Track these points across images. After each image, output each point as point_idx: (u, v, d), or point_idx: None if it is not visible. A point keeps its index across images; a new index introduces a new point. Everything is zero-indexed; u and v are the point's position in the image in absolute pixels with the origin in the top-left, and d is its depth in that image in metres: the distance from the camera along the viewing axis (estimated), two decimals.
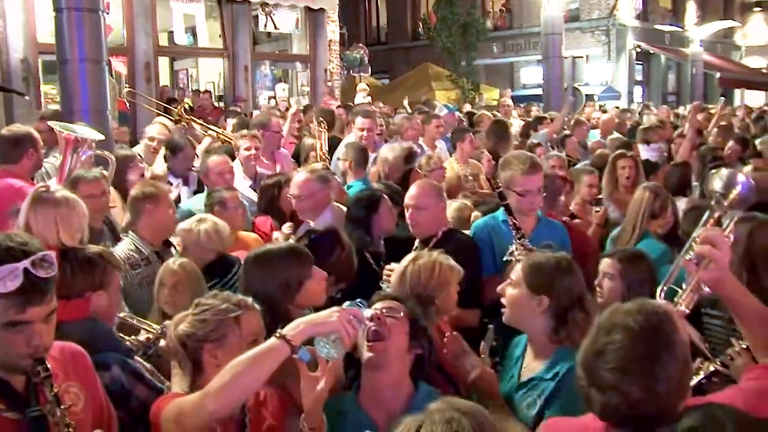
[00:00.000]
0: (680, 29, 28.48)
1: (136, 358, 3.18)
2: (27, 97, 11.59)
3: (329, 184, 5.04)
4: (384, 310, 2.81)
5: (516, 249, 4.11)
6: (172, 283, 3.81)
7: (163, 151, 6.85)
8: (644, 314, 1.99)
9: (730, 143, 8.41)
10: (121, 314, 3.53)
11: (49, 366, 2.21)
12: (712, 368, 3.10)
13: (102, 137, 6.00)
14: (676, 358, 1.94)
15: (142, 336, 3.54)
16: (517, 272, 3.08)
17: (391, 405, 2.71)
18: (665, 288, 2.55)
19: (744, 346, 3.01)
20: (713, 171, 2.80)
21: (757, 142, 9.05)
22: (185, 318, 2.68)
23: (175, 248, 4.75)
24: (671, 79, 30.70)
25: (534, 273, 3.02)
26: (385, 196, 4.74)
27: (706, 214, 2.49)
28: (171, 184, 6.34)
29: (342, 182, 6.32)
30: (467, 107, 16.24)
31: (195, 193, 6.67)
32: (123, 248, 4.46)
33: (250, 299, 2.76)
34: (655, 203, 4.83)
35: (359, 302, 2.59)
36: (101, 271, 3.05)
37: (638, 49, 27.41)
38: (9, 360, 2.18)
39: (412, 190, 4.51)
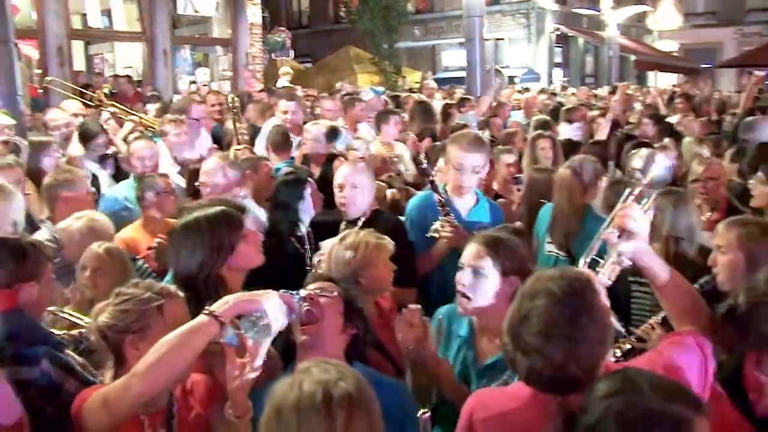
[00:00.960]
0: (597, 13, 29.19)
1: (68, 351, 3.07)
2: None
3: (241, 172, 4.88)
4: (317, 291, 2.79)
5: (441, 225, 4.13)
6: (94, 267, 3.70)
7: (76, 134, 6.63)
8: (566, 280, 2.07)
9: (644, 120, 8.68)
10: (51, 308, 3.42)
11: None
12: (627, 346, 3.22)
13: (13, 122, 5.76)
14: (596, 322, 2.02)
15: (74, 330, 3.44)
16: (479, 258, 3.01)
17: None
18: (588, 259, 2.62)
19: (659, 320, 3.14)
20: (633, 151, 2.91)
21: (673, 120, 9.39)
22: (105, 308, 2.58)
23: None
24: (589, 61, 31.48)
25: (506, 254, 2.99)
26: (311, 179, 4.72)
27: (627, 190, 2.57)
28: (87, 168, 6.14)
29: None
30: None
31: (113, 177, 6.52)
32: (40, 239, 4.29)
33: (173, 287, 2.67)
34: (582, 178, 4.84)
35: (293, 293, 2.52)
36: (32, 261, 2.93)
37: (557, 32, 27.96)
38: None
39: (345, 169, 4.49)
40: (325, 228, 4.34)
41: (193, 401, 2.66)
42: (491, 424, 2.25)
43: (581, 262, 2.60)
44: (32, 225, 4.70)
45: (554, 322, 1.99)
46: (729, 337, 2.45)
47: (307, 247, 4.31)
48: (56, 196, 4.41)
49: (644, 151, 2.70)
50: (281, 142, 6.46)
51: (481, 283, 2.94)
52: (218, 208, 3.16)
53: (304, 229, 4.43)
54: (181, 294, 2.66)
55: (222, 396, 2.65)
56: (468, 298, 2.95)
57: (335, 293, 2.82)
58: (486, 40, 16.14)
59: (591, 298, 2.06)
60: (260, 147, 7.22)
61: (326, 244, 3.94)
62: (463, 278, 2.98)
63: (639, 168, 2.58)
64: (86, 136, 6.43)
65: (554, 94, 15.88)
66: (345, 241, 3.56)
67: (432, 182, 4.30)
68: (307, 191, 4.52)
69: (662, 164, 2.55)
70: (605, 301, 2.14)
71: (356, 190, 4.35)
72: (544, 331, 1.99)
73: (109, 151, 6.62)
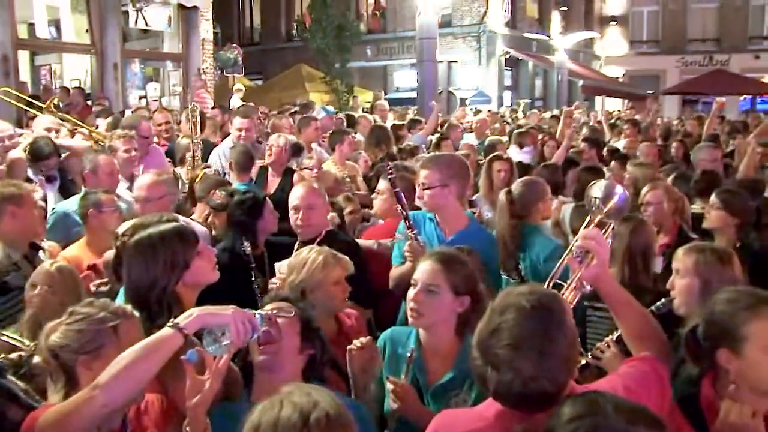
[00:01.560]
0: (546, 38, 29.76)
1: (9, 376, 2.96)
2: None
3: (176, 189, 4.95)
4: (275, 311, 2.77)
5: (399, 238, 4.24)
6: (45, 284, 3.62)
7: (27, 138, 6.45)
8: (536, 295, 2.10)
9: (582, 145, 8.86)
10: None
11: None
12: (583, 361, 3.27)
13: None
14: (565, 336, 2.06)
15: (13, 354, 3.32)
16: (433, 275, 3.01)
17: None
18: (551, 283, 2.69)
19: (614, 338, 3.21)
20: (593, 182, 3.04)
21: (619, 145, 9.62)
22: (57, 327, 2.51)
23: (44, 251, 4.51)
24: (538, 84, 32.02)
25: (459, 272, 3.02)
26: (268, 199, 4.69)
27: (588, 218, 2.67)
28: (32, 181, 5.97)
29: None
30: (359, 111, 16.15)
31: (60, 191, 6.34)
32: None
33: (129, 307, 2.61)
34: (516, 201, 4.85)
35: (254, 312, 2.50)
36: None
37: (507, 56, 28.39)
38: None
39: (299, 190, 4.49)
40: (280, 248, 4.33)
41: (147, 421, 2.61)
42: None
43: (544, 285, 2.64)
44: None
45: (524, 336, 2.02)
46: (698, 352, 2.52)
47: (254, 265, 4.26)
48: (3, 210, 4.24)
49: (603, 182, 2.80)
50: (245, 162, 6.42)
51: (432, 300, 2.95)
52: (172, 225, 3.12)
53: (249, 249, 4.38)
54: (136, 314, 2.61)
55: (177, 415, 2.63)
56: (420, 314, 2.97)
57: (293, 314, 2.80)
58: (438, 62, 16.28)
59: (561, 313, 2.09)
60: (214, 163, 7.16)
61: (281, 266, 3.93)
62: (415, 295, 2.98)
63: (599, 197, 2.67)
64: (37, 156, 6.22)
65: (504, 120, 16.08)
66: (297, 257, 3.56)
67: (397, 194, 4.21)
68: (266, 211, 4.50)
69: (621, 196, 2.67)
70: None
71: (311, 212, 4.37)
72: (513, 344, 2.01)
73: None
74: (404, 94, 25.25)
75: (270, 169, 6.72)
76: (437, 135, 9.92)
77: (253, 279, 4.16)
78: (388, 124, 11.88)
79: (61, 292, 3.61)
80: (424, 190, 4.19)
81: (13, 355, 3.22)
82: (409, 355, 2.99)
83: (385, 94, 23.21)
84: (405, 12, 26.71)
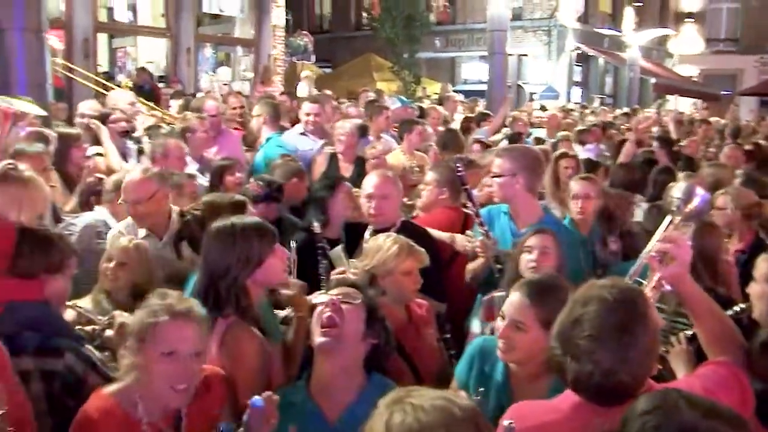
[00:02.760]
0: (619, 34, 29.15)
1: (88, 346, 3.06)
2: None
3: (166, 183, 4.49)
4: (340, 297, 2.77)
5: (471, 234, 4.25)
6: (119, 260, 3.72)
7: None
8: (618, 288, 2.11)
9: (654, 144, 8.65)
10: (69, 302, 3.41)
11: None
12: None
13: (44, 113, 5.78)
14: (646, 331, 2.06)
15: (89, 327, 3.43)
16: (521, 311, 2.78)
17: (342, 396, 2.67)
18: (631, 281, 2.64)
19: (689, 335, 3.13)
20: (672, 184, 2.98)
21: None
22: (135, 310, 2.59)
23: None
24: (608, 81, 31.42)
25: (550, 304, 2.66)
26: (346, 182, 4.73)
27: (667, 219, 2.62)
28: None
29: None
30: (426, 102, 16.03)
31: None
32: (94, 216, 4.44)
33: (185, 306, 2.53)
34: None
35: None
36: (59, 253, 2.92)
37: (578, 51, 27.92)
38: None
39: (373, 179, 4.47)
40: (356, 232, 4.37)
41: (208, 400, 2.62)
42: None
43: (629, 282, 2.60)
44: (56, 217, 4.70)
45: (606, 327, 2.03)
46: (765, 368, 2.45)
47: (321, 245, 4.27)
48: None
49: (684, 183, 2.75)
50: (274, 114, 6.79)
51: (521, 336, 2.71)
52: (254, 219, 3.21)
53: (336, 231, 4.45)
54: (196, 314, 2.55)
55: (233, 398, 2.71)
56: (510, 348, 2.74)
57: (358, 300, 2.80)
58: (509, 55, 16.11)
59: (643, 307, 2.10)
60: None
61: (336, 252, 3.93)
62: (503, 330, 2.75)
63: (679, 198, 2.64)
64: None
65: (569, 111, 15.80)
66: (367, 245, 3.57)
67: (468, 192, 4.27)
68: (339, 191, 4.53)
69: (703, 198, 2.64)
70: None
71: (385, 201, 4.34)
72: (595, 335, 2.03)
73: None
74: (472, 87, 25.07)
75: (342, 156, 6.71)
76: (507, 132, 9.82)
77: (319, 260, 4.15)
78: (458, 117, 11.85)
79: (133, 269, 3.72)
80: (493, 178, 4.23)
81: (88, 328, 3.35)
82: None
83: (453, 86, 23.06)
84: (475, 3, 26.47)
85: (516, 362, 2.78)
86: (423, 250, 3.62)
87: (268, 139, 7.05)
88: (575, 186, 5.10)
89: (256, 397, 2.37)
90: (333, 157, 6.65)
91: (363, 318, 2.75)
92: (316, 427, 2.63)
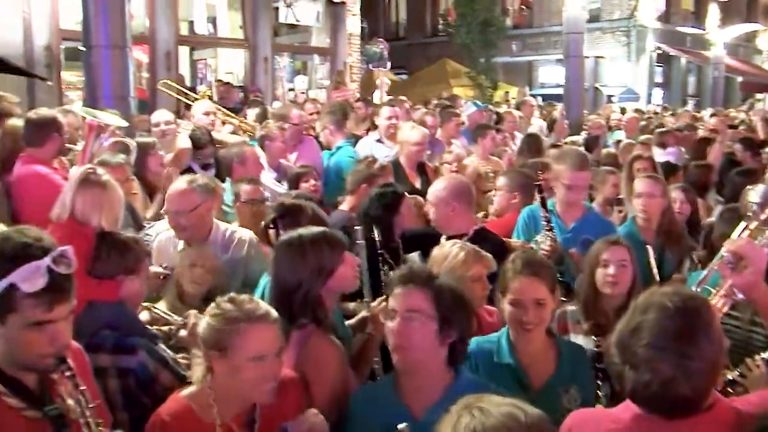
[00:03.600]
0: (702, 32, 28.27)
1: (161, 345, 3.18)
2: (50, 83, 11.64)
3: (211, 196, 4.39)
4: (406, 313, 2.62)
5: (541, 240, 4.32)
6: (206, 265, 3.85)
7: (185, 129, 6.87)
8: (680, 296, 2.04)
9: (736, 146, 8.37)
10: (145, 303, 3.55)
11: (71, 364, 2.16)
12: (730, 377, 3.09)
13: (125, 124, 6.02)
14: (710, 341, 1.98)
15: (165, 327, 3.54)
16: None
17: (428, 394, 2.61)
18: (699, 288, 2.58)
19: (765, 358, 3.02)
20: (749, 187, 2.89)
21: None
22: (204, 318, 2.59)
23: None
24: (691, 81, 30.51)
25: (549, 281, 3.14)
26: (406, 195, 4.74)
27: (742, 224, 2.58)
28: (192, 169, 6.34)
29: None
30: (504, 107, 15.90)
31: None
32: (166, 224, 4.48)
33: (262, 308, 2.56)
34: None
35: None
36: (134, 256, 3.06)
37: (658, 51, 27.24)
38: (30, 360, 2.11)
39: (442, 183, 4.53)
40: (417, 241, 4.38)
41: (283, 403, 2.61)
42: None
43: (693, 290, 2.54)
44: (137, 223, 4.89)
45: (665, 336, 1.96)
46: None
47: (381, 252, 4.30)
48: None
49: (761, 187, 2.68)
50: (341, 120, 6.82)
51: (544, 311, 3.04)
52: (321, 230, 3.21)
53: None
54: (273, 314, 2.58)
55: (307, 400, 2.72)
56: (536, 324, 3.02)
57: (424, 317, 2.63)
58: (585, 57, 15.86)
59: (706, 317, 2.02)
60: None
61: (413, 257, 3.96)
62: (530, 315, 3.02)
63: (756, 202, 2.56)
64: (195, 145, 6.63)
65: (650, 118, 15.43)
66: (435, 252, 3.57)
67: (543, 198, 4.43)
68: (403, 207, 4.54)
69: None
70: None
71: (453, 207, 4.39)
72: (653, 343, 1.96)
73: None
74: (549, 90, 24.77)
75: (406, 163, 6.64)
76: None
77: (380, 267, 4.17)
78: (535, 122, 11.75)
79: (208, 271, 3.84)
80: (586, 190, 4.76)
81: (164, 328, 3.47)
82: None
83: (530, 90, 22.83)
84: (552, 6, 26.16)
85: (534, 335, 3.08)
86: (490, 255, 3.60)
87: (338, 148, 7.12)
88: (639, 184, 5.05)
89: (289, 423, 2.43)
90: (398, 165, 6.62)
91: (434, 328, 2.61)
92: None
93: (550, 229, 4.30)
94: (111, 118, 5.77)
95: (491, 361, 3.07)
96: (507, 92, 21.60)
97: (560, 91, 17.18)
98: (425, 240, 4.36)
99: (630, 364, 1.99)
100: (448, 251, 3.57)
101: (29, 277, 2.01)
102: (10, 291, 2.01)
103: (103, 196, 3.77)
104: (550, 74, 27.26)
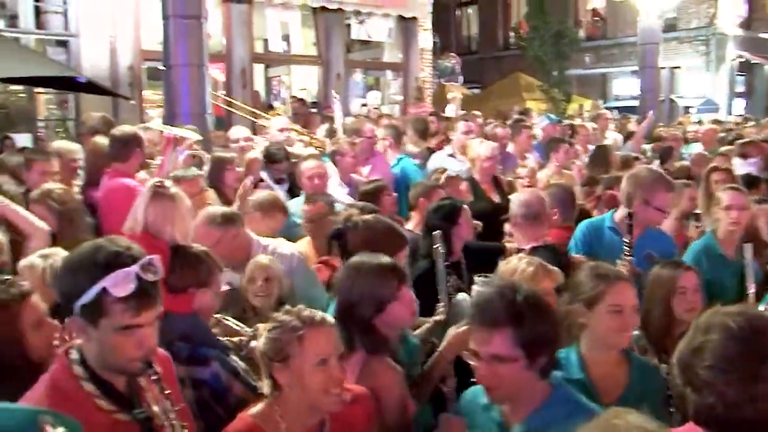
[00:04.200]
0: None
1: (232, 356, 3.25)
2: (132, 102, 12.12)
3: (234, 225, 4.27)
4: (489, 358, 2.47)
5: (621, 264, 4.11)
6: (263, 277, 3.92)
7: (260, 143, 7.05)
8: (745, 317, 1.96)
9: None
10: (216, 315, 3.63)
11: (158, 369, 2.25)
12: None
13: (199, 137, 6.21)
14: None
15: (235, 338, 3.62)
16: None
17: (524, 405, 2.53)
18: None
19: None
20: None
21: None
22: (264, 332, 2.60)
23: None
24: None
25: None
26: (465, 206, 4.76)
27: None
28: (264, 181, 6.50)
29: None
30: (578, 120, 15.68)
31: (289, 192, 6.83)
32: None
33: (319, 315, 2.58)
34: None
35: None
36: (207, 269, 3.15)
37: (740, 60, 26.42)
38: (120, 363, 2.22)
39: (522, 198, 4.54)
40: (479, 254, 4.39)
41: (352, 415, 2.61)
42: None
43: (761, 307, 2.47)
44: None
45: (729, 358, 1.89)
46: None
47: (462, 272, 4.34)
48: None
49: None
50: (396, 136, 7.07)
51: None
52: (382, 260, 3.13)
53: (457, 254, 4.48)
54: (330, 321, 2.60)
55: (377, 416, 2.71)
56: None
57: (510, 354, 2.49)
58: (661, 68, 15.54)
59: None
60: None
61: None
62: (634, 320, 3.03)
63: None
64: (270, 159, 6.81)
65: (729, 129, 14.97)
66: (502, 268, 3.56)
67: (630, 226, 4.32)
68: (462, 218, 4.55)
69: None
70: None
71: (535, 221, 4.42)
72: (716, 365, 1.90)
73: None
74: (624, 103, 24.30)
75: (479, 178, 6.67)
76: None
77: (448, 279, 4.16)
78: (610, 135, 11.56)
79: (268, 282, 3.92)
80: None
81: (235, 339, 3.54)
82: None
83: (604, 102, 22.46)
84: (626, 17, 25.69)
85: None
86: (557, 270, 3.58)
87: (399, 160, 7.32)
88: (727, 196, 4.89)
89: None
90: (474, 182, 6.59)
91: (522, 365, 2.45)
92: None
93: (630, 247, 4.18)
94: (186, 132, 5.97)
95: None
96: (581, 105, 21.29)
97: (635, 103, 16.89)
98: (487, 253, 4.39)
99: (692, 386, 1.94)
100: (516, 266, 3.55)
101: (119, 283, 2.12)
102: (101, 296, 2.13)
103: (174, 209, 3.87)
104: (625, 86, 26.75)
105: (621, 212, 4.65)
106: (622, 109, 20.44)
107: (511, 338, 2.41)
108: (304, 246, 5.00)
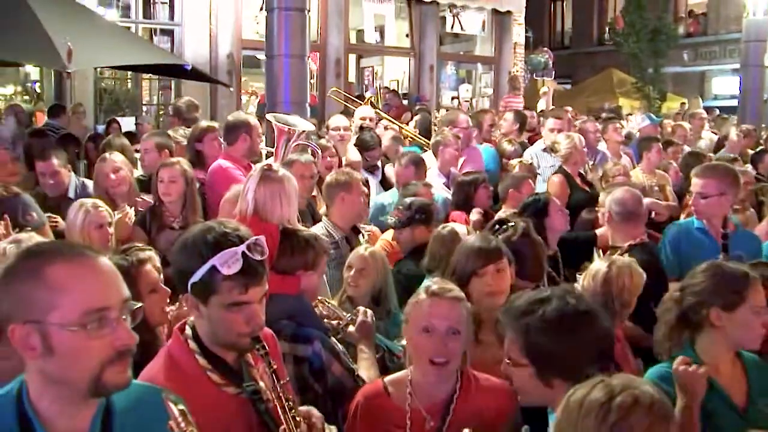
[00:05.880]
0: None
1: (332, 338, 3.38)
2: (231, 89, 12.51)
3: None
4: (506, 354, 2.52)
5: None
6: (359, 267, 4.05)
7: (354, 139, 7.19)
8: None
9: None
10: (319, 297, 3.79)
11: (265, 345, 2.38)
12: None
13: (312, 127, 6.37)
14: None
15: (334, 321, 3.76)
16: None
17: None
18: None
19: None
20: None
21: None
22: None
23: (363, 235, 5.04)
24: None
25: None
26: (554, 199, 4.81)
27: None
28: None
29: None
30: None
31: (381, 183, 6.96)
32: (317, 231, 4.72)
33: (441, 286, 2.82)
34: None
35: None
36: (314, 253, 3.30)
37: None
38: (230, 338, 2.34)
39: (618, 195, 4.59)
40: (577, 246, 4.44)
41: (481, 403, 2.71)
42: None
43: None
44: (315, 218, 5.24)
45: None
46: None
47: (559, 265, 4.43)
48: (335, 195, 4.87)
49: None
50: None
51: None
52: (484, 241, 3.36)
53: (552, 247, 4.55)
54: (454, 293, 2.81)
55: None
56: None
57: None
58: (766, 67, 14.96)
59: None
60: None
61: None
62: None
63: None
64: (362, 146, 6.96)
65: None
66: (614, 265, 3.57)
67: (725, 235, 4.43)
68: (551, 209, 4.62)
69: None
70: None
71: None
72: None
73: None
74: (723, 102, 23.47)
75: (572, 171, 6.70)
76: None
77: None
78: (706, 136, 11.27)
79: (371, 274, 4.04)
80: (701, 199, 4.49)
81: (334, 322, 3.67)
82: None
83: (703, 102, 21.74)
84: (730, 12, 24.76)
85: None
86: (640, 270, 3.59)
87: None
88: None
89: None
90: (568, 175, 6.62)
91: (531, 373, 2.44)
92: None
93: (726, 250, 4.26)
94: (299, 122, 6.13)
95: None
96: (683, 103, 20.65)
97: (735, 102, 16.32)
98: (580, 243, 4.45)
99: None
100: (627, 267, 3.55)
101: (227, 262, 2.25)
102: (211, 274, 2.27)
103: (282, 192, 3.99)
104: (725, 85, 25.82)
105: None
106: (721, 110, 19.79)
107: (518, 345, 2.43)
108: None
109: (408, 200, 4.98)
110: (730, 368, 2.89)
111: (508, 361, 2.47)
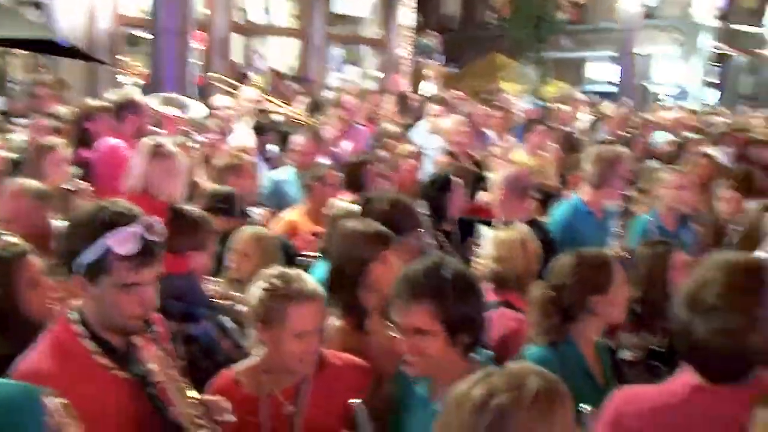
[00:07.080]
0: (761, 30, 27.60)
1: (222, 316, 3.36)
2: (116, 69, 12.04)
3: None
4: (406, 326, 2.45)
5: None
6: (240, 249, 3.92)
7: (245, 122, 7.11)
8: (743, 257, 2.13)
9: None
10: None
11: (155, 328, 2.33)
12: None
13: (207, 112, 6.27)
14: None
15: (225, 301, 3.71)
16: None
17: (446, 382, 2.40)
18: None
19: None
20: None
21: None
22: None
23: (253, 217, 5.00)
24: (749, 82, 29.80)
25: None
26: (456, 179, 4.92)
27: None
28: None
29: None
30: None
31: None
32: None
33: (310, 287, 2.62)
34: None
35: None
36: (203, 233, 3.26)
37: (714, 50, 26.74)
38: (121, 321, 2.27)
39: (511, 173, 4.78)
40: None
41: (334, 383, 2.67)
42: (647, 418, 2.12)
43: None
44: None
45: (736, 288, 1.99)
46: None
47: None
48: (226, 178, 4.82)
49: None
50: None
51: None
52: (375, 226, 3.19)
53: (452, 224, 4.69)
54: (320, 293, 2.65)
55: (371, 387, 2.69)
56: None
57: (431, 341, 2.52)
58: (637, 55, 15.73)
59: None
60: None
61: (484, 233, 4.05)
62: None
63: None
64: (260, 131, 6.93)
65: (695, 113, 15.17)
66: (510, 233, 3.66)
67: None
68: (454, 186, 4.73)
69: None
70: None
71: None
72: (724, 294, 1.99)
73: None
74: (598, 87, 24.50)
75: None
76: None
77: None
78: (583, 117, 11.74)
79: (256, 258, 3.82)
80: None
81: (225, 302, 3.62)
82: None
83: (579, 86, 22.59)
84: (606, 2, 25.81)
85: None
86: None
87: None
88: None
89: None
90: (452, 155, 6.79)
91: (443, 341, 2.42)
92: None
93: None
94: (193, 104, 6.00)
95: None
96: (562, 87, 21.36)
97: (609, 88, 17.08)
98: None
99: (700, 313, 2.01)
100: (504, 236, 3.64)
101: (123, 242, 2.18)
102: (105, 254, 2.19)
103: (175, 169, 3.93)
104: (600, 71, 26.94)
105: None
106: (596, 95, 20.62)
107: (431, 312, 2.38)
108: (295, 215, 5.12)
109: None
110: (592, 351, 2.98)
111: (416, 332, 2.39)
